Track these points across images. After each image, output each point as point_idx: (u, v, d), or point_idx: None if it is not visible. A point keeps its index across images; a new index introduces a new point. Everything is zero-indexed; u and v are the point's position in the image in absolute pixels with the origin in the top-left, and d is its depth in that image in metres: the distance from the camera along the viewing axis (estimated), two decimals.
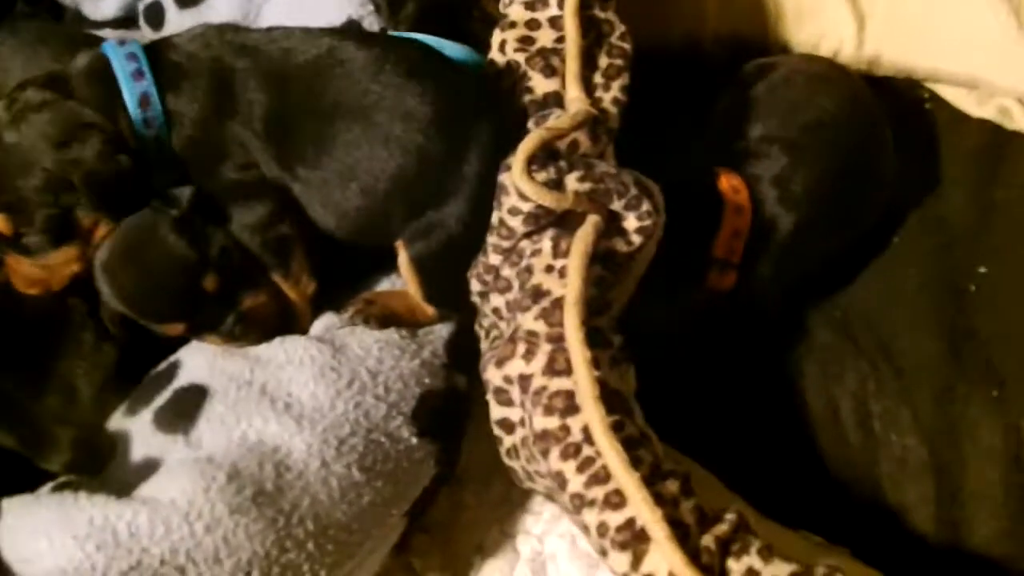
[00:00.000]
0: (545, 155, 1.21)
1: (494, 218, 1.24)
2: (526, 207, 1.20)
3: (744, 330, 1.42)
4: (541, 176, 1.19)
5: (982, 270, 1.53)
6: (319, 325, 1.34)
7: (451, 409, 1.31)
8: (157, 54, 1.32)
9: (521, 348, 1.17)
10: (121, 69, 1.29)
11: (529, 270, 1.20)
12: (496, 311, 1.28)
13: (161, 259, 1.28)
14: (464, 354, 1.34)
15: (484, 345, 1.32)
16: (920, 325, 1.46)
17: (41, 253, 1.30)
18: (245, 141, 1.29)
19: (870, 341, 1.46)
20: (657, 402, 1.17)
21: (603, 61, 1.32)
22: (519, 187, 1.18)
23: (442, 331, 1.34)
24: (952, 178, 1.60)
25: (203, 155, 1.31)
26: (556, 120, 1.23)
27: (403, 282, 1.35)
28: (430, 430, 1.27)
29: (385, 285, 1.39)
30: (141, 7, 1.71)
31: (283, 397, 1.23)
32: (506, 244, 1.23)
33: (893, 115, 1.57)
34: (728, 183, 1.39)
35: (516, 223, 1.21)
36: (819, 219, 1.41)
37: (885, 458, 1.39)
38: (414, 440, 1.25)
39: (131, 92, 1.28)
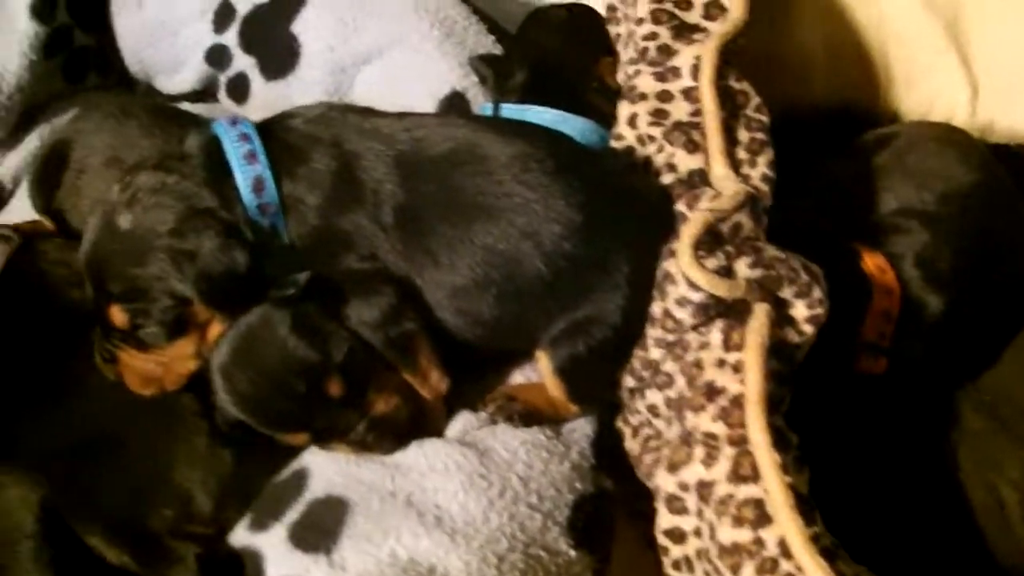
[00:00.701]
0: (710, 239, 1.14)
1: (656, 309, 1.16)
2: (696, 297, 1.12)
3: (896, 418, 1.35)
4: (711, 263, 1.12)
5: None
6: (455, 426, 1.25)
7: (603, 516, 1.22)
8: (271, 134, 1.23)
9: (699, 452, 1.09)
10: (233, 151, 1.20)
11: (698, 365, 1.13)
12: (652, 408, 1.20)
13: (281, 362, 1.18)
14: (607, 452, 1.26)
15: (632, 444, 1.24)
16: None
17: (157, 346, 1.22)
18: (369, 233, 1.20)
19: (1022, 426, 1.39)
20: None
21: (743, 135, 1.26)
22: (689, 276, 1.11)
23: (586, 428, 1.26)
24: None
25: (322, 244, 1.22)
26: (716, 201, 1.16)
27: (537, 374, 1.27)
28: (586, 540, 1.18)
29: (518, 377, 1.30)
30: (223, 79, 1.62)
31: (431, 509, 1.14)
32: (671, 337, 1.16)
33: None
34: (873, 263, 1.32)
35: (684, 314, 1.13)
36: (968, 298, 1.34)
37: None
38: (572, 553, 1.16)
39: (244, 176, 1.19)
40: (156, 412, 1.26)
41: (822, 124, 1.59)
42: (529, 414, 1.23)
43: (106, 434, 1.26)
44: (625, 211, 1.20)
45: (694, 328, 1.14)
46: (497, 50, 1.49)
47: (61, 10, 1.62)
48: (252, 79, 1.58)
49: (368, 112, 1.26)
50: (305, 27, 1.54)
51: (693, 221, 1.14)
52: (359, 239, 1.21)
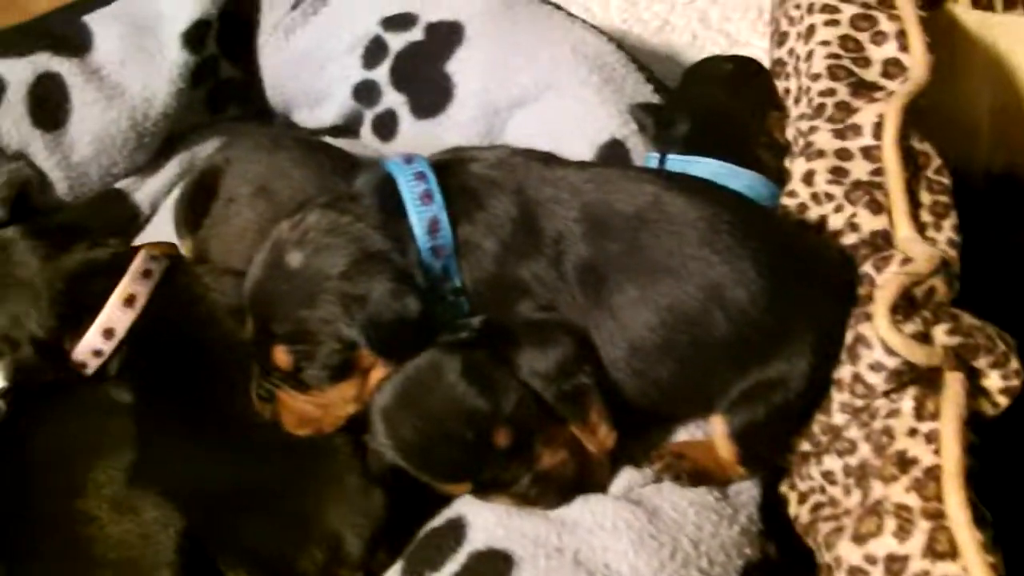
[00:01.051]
0: (905, 304, 1.10)
1: (844, 374, 1.12)
2: (891, 363, 1.08)
3: None
4: (909, 328, 1.08)
5: None
6: (619, 482, 1.21)
7: None
8: (448, 174, 1.19)
9: (891, 524, 1.04)
10: (408, 191, 1.17)
11: (888, 433, 1.08)
12: (828, 475, 1.15)
13: (448, 408, 1.14)
14: (772, 520, 1.21)
15: (800, 511, 1.20)
16: None
17: (318, 389, 1.18)
18: (549, 283, 1.16)
19: None
20: None
21: (926, 197, 1.22)
22: (886, 340, 1.07)
23: (752, 491, 1.21)
24: None
25: (497, 291, 1.18)
26: (911, 265, 1.12)
27: (704, 432, 1.23)
28: None
29: (682, 434, 1.26)
30: (370, 115, 1.60)
31: (600, 569, 1.09)
32: (859, 403, 1.12)
33: None
34: None
35: (877, 380, 1.09)
36: None
37: None
38: None
39: (419, 217, 1.15)
40: (307, 450, 1.22)
41: (987, 190, 1.54)
42: (697, 473, 1.18)
43: (255, 469, 1.23)
44: (809, 275, 1.17)
45: (885, 394, 1.10)
46: (655, 99, 1.47)
47: (211, 41, 1.63)
48: (401, 117, 1.56)
49: (551, 159, 1.22)
50: (460, 67, 1.52)
51: (889, 284, 1.10)
52: (537, 288, 1.17)
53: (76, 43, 1.58)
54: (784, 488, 1.22)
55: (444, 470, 1.17)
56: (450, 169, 1.20)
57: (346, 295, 1.13)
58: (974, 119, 1.53)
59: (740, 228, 1.15)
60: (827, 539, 1.11)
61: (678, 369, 1.16)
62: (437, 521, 1.20)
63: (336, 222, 1.15)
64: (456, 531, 1.17)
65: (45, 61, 1.57)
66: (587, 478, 1.19)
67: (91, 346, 1.27)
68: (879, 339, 1.08)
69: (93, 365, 1.28)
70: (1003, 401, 1.11)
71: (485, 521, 1.16)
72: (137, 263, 1.30)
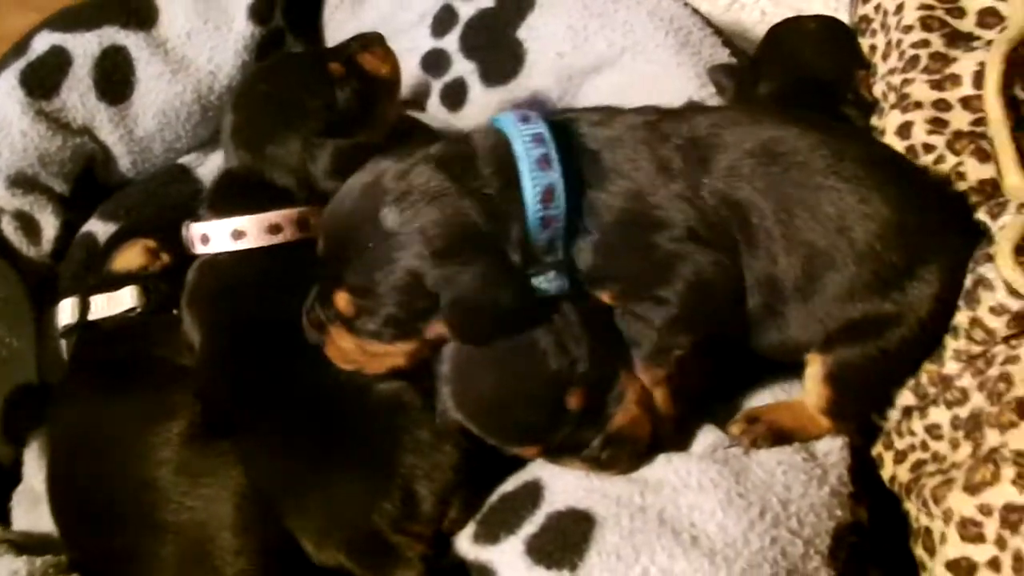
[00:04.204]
0: None
1: (961, 319, 1.06)
2: (1016, 305, 1.01)
3: None
4: None
5: None
6: (704, 441, 1.14)
7: (861, 548, 1.09)
8: (567, 136, 1.10)
9: (1009, 472, 0.97)
10: (526, 154, 1.07)
11: (1006, 379, 1.01)
12: (932, 428, 1.08)
13: (519, 371, 1.08)
14: (862, 482, 1.13)
15: (895, 471, 1.12)
16: None
17: (371, 343, 1.12)
18: (684, 209, 1.08)
19: None
20: None
21: None
22: (1010, 281, 1.00)
23: (843, 452, 1.13)
24: None
25: (630, 231, 1.09)
26: None
27: (791, 393, 1.16)
28: (846, 573, 1.06)
29: (767, 398, 1.19)
30: (438, 85, 1.57)
31: (687, 528, 1.03)
32: (976, 349, 1.05)
33: None
34: None
35: (998, 324, 1.02)
36: None
37: None
38: None
39: (534, 184, 1.06)
40: (378, 404, 1.17)
41: None
42: (774, 435, 1.12)
43: (324, 424, 1.17)
44: (934, 211, 1.10)
45: (1005, 340, 1.03)
46: (731, 61, 1.42)
47: (278, 13, 1.61)
48: (471, 85, 1.53)
49: (654, 110, 1.15)
50: (531, 33, 1.49)
51: (1012, 225, 1.04)
52: (673, 214, 1.07)
53: (143, 16, 1.57)
54: (879, 449, 1.15)
55: (513, 434, 1.11)
56: (568, 130, 1.11)
57: (434, 275, 1.05)
58: None
59: (865, 155, 1.10)
60: (934, 493, 1.04)
61: (803, 300, 1.09)
62: (511, 485, 1.14)
63: (442, 187, 1.06)
64: (533, 493, 1.11)
65: (112, 34, 1.55)
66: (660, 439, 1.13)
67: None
68: (1003, 280, 1.01)
69: None
70: None
71: (564, 483, 1.11)
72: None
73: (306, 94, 1.32)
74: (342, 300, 1.11)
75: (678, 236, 1.07)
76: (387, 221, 1.06)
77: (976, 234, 1.09)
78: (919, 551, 1.08)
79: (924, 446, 1.10)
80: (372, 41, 1.39)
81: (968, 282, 1.05)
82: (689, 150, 1.09)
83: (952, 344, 1.07)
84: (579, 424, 1.09)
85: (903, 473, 1.11)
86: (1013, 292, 1.00)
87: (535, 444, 1.11)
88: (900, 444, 1.12)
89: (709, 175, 1.08)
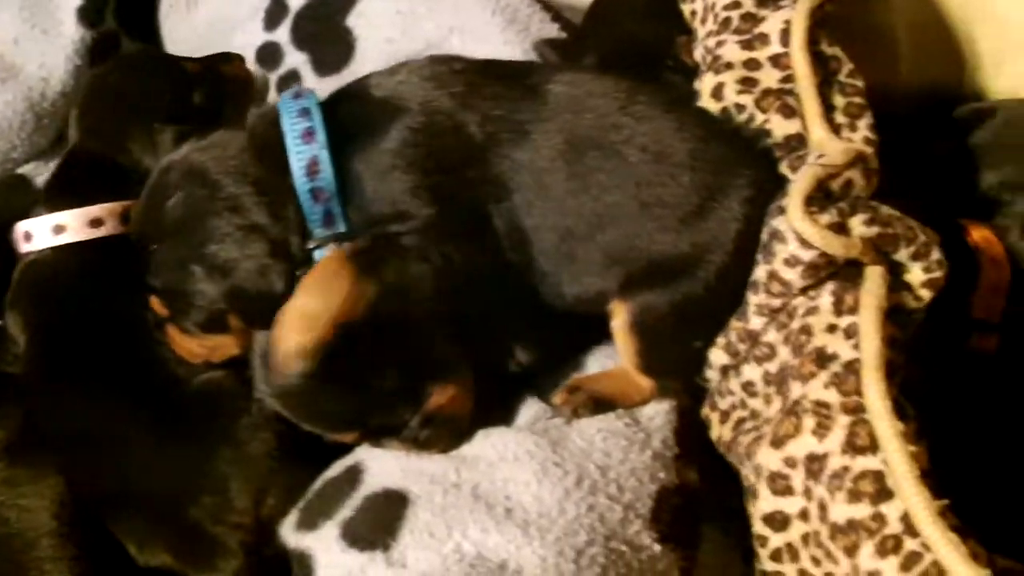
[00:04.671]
0: (821, 196, 1.03)
1: (760, 273, 1.05)
2: (807, 256, 1.01)
3: (1014, 399, 1.22)
4: (824, 218, 1.00)
5: None
6: (526, 414, 1.13)
7: (688, 509, 1.08)
8: (341, 107, 1.11)
9: (809, 422, 0.96)
10: (290, 130, 1.08)
11: (806, 331, 1.01)
12: (747, 386, 1.08)
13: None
14: (691, 443, 1.12)
15: (721, 431, 1.12)
16: None
17: (195, 336, 1.13)
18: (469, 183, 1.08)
19: None
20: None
21: (839, 100, 1.16)
22: (800, 231, 0.99)
23: (668, 416, 1.12)
24: None
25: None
26: (826, 158, 1.06)
27: (617, 361, 1.15)
28: (671, 535, 1.04)
29: (594, 367, 1.18)
30: (274, 79, 1.54)
31: (501, 501, 1.01)
32: (776, 303, 1.04)
33: None
34: (979, 235, 1.21)
35: (793, 275, 1.02)
36: None
37: None
38: (656, 548, 1.02)
39: (298, 158, 1.06)
40: (196, 395, 1.17)
41: (910, 108, 1.48)
42: (596, 403, 1.10)
43: (142, 419, 1.15)
44: (733, 149, 1.10)
45: (802, 291, 1.03)
46: (562, 36, 1.41)
47: (109, 15, 1.57)
48: (304, 76, 1.50)
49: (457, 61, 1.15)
50: (361, 20, 1.47)
51: (804, 176, 1.03)
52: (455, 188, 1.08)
53: None
54: (706, 410, 1.14)
55: (325, 420, 1.09)
56: (345, 100, 1.12)
57: (213, 266, 1.07)
58: (893, 37, 1.47)
59: (662, 98, 1.11)
60: (748, 450, 1.03)
61: (606, 247, 1.08)
62: (335, 470, 1.12)
63: (214, 175, 1.08)
64: (352, 477, 1.09)
65: None
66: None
67: None
68: (793, 231, 1.01)
69: None
70: (926, 294, 1.03)
71: (382, 465, 1.09)
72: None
73: (159, 83, 1.34)
74: (155, 303, 1.14)
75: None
76: (167, 218, 1.08)
77: (778, 182, 1.08)
78: (749, 508, 1.08)
79: (743, 404, 1.09)
80: (232, 56, 1.44)
81: (764, 236, 1.05)
82: (475, 108, 1.09)
83: (754, 299, 1.06)
84: (395, 405, 1.07)
85: (727, 433, 1.10)
86: (804, 243, 1.00)
87: (349, 429, 1.09)
88: (723, 404, 1.12)
89: (499, 129, 1.08)
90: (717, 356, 1.10)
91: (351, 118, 1.09)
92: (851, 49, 1.32)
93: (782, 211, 1.02)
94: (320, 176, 1.06)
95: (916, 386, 1.08)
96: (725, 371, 1.10)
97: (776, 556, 1.00)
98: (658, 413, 1.12)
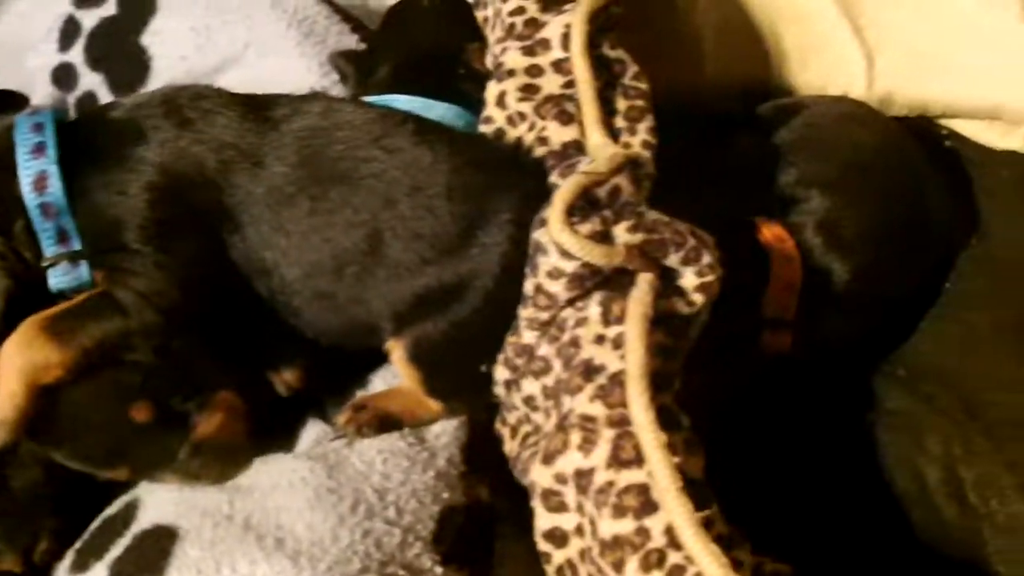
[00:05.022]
0: (585, 205, 1.01)
1: (528, 287, 1.03)
2: (570, 267, 0.99)
3: (808, 398, 1.22)
4: (585, 228, 0.98)
5: None
6: (307, 438, 1.10)
7: (477, 527, 1.06)
8: (81, 124, 1.10)
9: (575, 437, 0.94)
10: (21, 144, 1.05)
11: (575, 343, 0.99)
12: (529, 400, 1.05)
13: (77, 390, 1.02)
14: (483, 459, 1.10)
15: (511, 446, 1.09)
16: (1003, 374, 1.27)
17: None
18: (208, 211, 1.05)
19: (948, 399, 1.25)
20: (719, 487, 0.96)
21: (621, 103, 1.15)
22: (560, 242, 0.97)
23: (456, 432, 1.10)
24: (993, 213, 1.45)
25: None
26: (592, 165, 1.04)
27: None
28: (456, 555, 1.02)
29: (379, 386, 1.15)
30: (72, 100, 1.48)
31: (272, 531, 0.97)
32: (544, 316, 1.02)
33: None
34: (771, 233, 1.20)
35: (557, 288, 1.00)
36: (876, 264, 1.24)
37: (990, 532, 1.17)
38: (439, 570, 0.99)
39: (26, 172, 1.04)
40: None
41: (720, 104, 1.49)
42: (382, 421, 1.08)
43: None
44: (496, 180, 1.08)
45: (570, 303, 1.01)
46: (360, 47, 1.38)
47: None
48: (101, 98, 1.45)
49: (198, 92, 1.12)
50: (155, 38, 1.43)
51: (566, 186, 1.01)
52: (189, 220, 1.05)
53: None
54: (498, 425, 1.12)
55: (88, 456, 1.05)
56: (85, 122, 1.11)
57: None
58: (699, 36, 1.47)
59: (414, 128, 1.08)
60: (525, 465, 1.01)
61: (358, 284, 1.06)
62: (114, 507, 1.07)
63: None
64: (128, 513, 1.05)
65: None
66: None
67: None
68: (554, 243, 0.98)
69: None
70: (699, 299, 1.02)
71: (158, 499, 1.05)
72: None
73: None
74: None
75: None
76: None
77: (547, 195, 1.06)
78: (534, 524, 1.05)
79: (528, 419, 1.07)
80: None
81: (530, 248, 1.03)
82: (216, 136, 1.07)
83: (524, 313, 1.04)
84: (159, 437, 1.04)
85: (515, 448, 1.08)
86: (565, 254, 0.98)
87: (113, 466, 1.05)
88: (511, 419, 1.09)
89: (239, 160, 1.05)
90: (500, 372, 1.08)
91: (88, 140, 1.07)
92: (655, 49, 1.32)
93: (544, 223, 1.00)
94: (48, 192, 1.04)
95: (704, 391, 1.08)
96: (508, 386, 1.08)
97: (560, 573, 0.98)
98: (445, 431, 1.09)
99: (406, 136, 1.06)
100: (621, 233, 1.00)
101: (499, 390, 1.10)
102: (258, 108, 1.09)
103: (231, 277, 1.05)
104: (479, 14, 1.33)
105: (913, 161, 1.36)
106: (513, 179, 1.08)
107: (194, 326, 1.05)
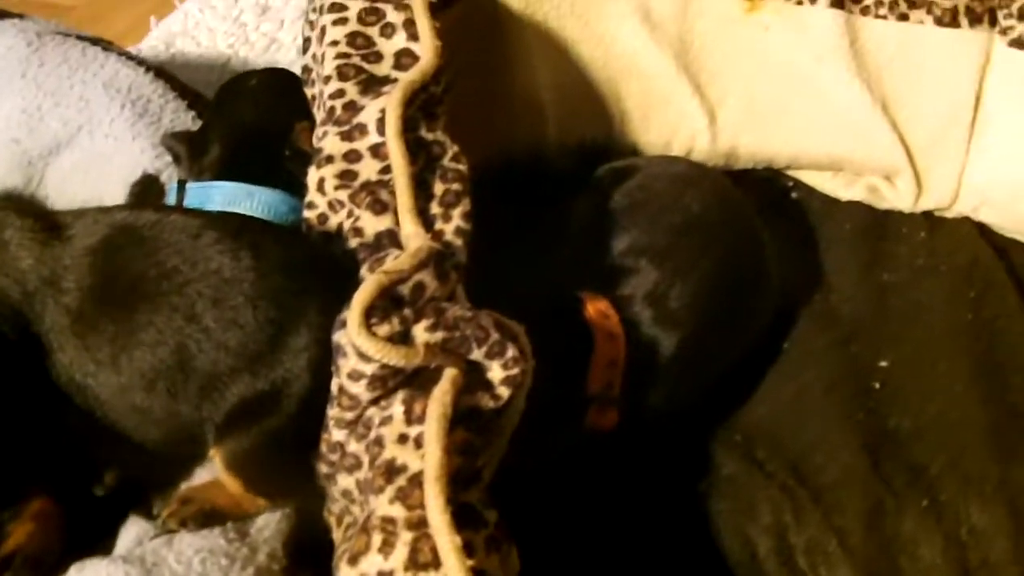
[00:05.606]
0: (387, 304, 1.01)
1: (333, 386, 1.03)
2: (369, 369, 0.99)
3: (639, 472, 1.23)
4: (383, 329, 0.98)
5: (883, 364, 1.40)
6: (128, 537, 1.10)
7: None
8: None
9: (377, 539, 0.94)
10: None
11: (379, 442, 0.99)
12: (346, 494, 1.06)
13: None
14: (309, 551, 1.11)
15: (337, 535, 1.09)
16: (831, 437, 1.29)
17: None
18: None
19: (779, 463, 1.27)
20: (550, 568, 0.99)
21: (438, 188, 1.15)
22: (357, 345, 0.97)
23: (279, 526, 1.10)
24: (834, 267, 1.48)
25: None
26: (395, 261, 1.04)
27: None
28: None
29: (204, 475, 1.15)
30: None
31: None
32: (349, 416, 1.02)
33: (761, 209, 1.44)
34: (595, 309, 1.21)
35: (359, 389, 1.00)
36: (704, 334, 1.24)
37: None
38: None
39: None
40: None
41: (564, 163, 1.50)
42: (207, 515, 1.08)
43: None
44: (304, 282, 1.07)
45: (374, 402, 1.01)
46: (196, 124, 1.38)
47: None
48: None
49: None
50: None
51: (364, 286, 1.01)
52: None
53: None
54: (326, 513, 1.12)
55: None
56: None
57: None
58: (536, 97, 1.48)
59: (221, 232, 1.06)
60: (336, 564, 1.01)
61: (171, 398, 1.05)
62: None
63: None
64: None
65: None
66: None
67: None
68: (352, 346, 0.99)
69: None
70: (505, 392, 1.02)
71: None
72: None
73: None
74: None
75: None
76: None
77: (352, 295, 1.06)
78: None
79: (348, 510, 1.07)
80: None
81: (333, 350, 1.03)
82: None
83: (331, 412, 1.04)
84: None
85: (340, 537, 1.09)
86: (363, 356, 0.98)
87: None
88: (335, 509, 1.10)
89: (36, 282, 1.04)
90: (319, 466, 1.08)
91: None
92: (490, 111, 1.33)
93: (344, 324, 1.00)
94: None
95: (529, 470, 1.09)
96: (327, 479, 1.08)
97: None
98: (268, 524, 1.10)
99: (209, 244, 1.05)
100: (420, 332, 1.00)
101: (322, 482, 1.11)
102: (55, 228, 1.06)
103: (48, 396, 1.04)
104: (309, 91, 1.33)
105: (748, 219, 1.38)
106: (322, 280, 1.08)
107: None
